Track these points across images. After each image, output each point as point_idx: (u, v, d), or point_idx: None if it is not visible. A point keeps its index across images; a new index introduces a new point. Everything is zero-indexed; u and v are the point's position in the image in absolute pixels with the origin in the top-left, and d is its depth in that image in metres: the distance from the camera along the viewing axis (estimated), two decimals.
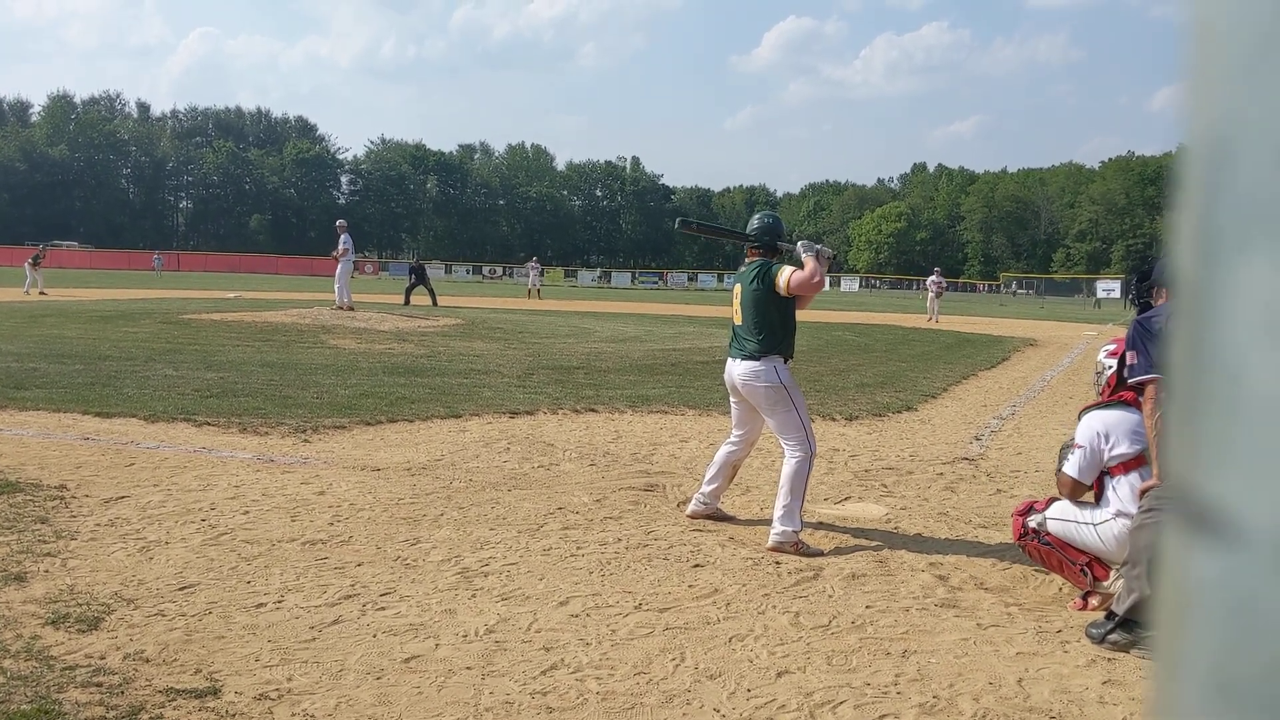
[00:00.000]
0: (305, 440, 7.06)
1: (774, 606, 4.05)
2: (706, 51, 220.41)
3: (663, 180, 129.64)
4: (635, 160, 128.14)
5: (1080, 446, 4.23)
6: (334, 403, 8.60)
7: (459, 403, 8.90)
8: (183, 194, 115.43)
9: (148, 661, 3.24)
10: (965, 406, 10.52)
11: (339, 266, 19.56)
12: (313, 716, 2.93)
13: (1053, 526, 4.24)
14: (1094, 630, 3.84)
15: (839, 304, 42.29)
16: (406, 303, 25.68)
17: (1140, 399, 4.06)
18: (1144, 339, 3.89)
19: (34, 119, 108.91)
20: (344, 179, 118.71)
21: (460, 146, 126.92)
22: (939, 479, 6.73)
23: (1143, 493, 3.88)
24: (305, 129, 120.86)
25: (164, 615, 3.66)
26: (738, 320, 5.25)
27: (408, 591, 4.04)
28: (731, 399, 5.40)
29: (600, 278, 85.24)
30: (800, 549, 4.82)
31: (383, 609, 3.83)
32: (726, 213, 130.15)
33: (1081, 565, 4.20)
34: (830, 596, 4.23)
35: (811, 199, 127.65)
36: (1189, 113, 0.32)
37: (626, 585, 4.24)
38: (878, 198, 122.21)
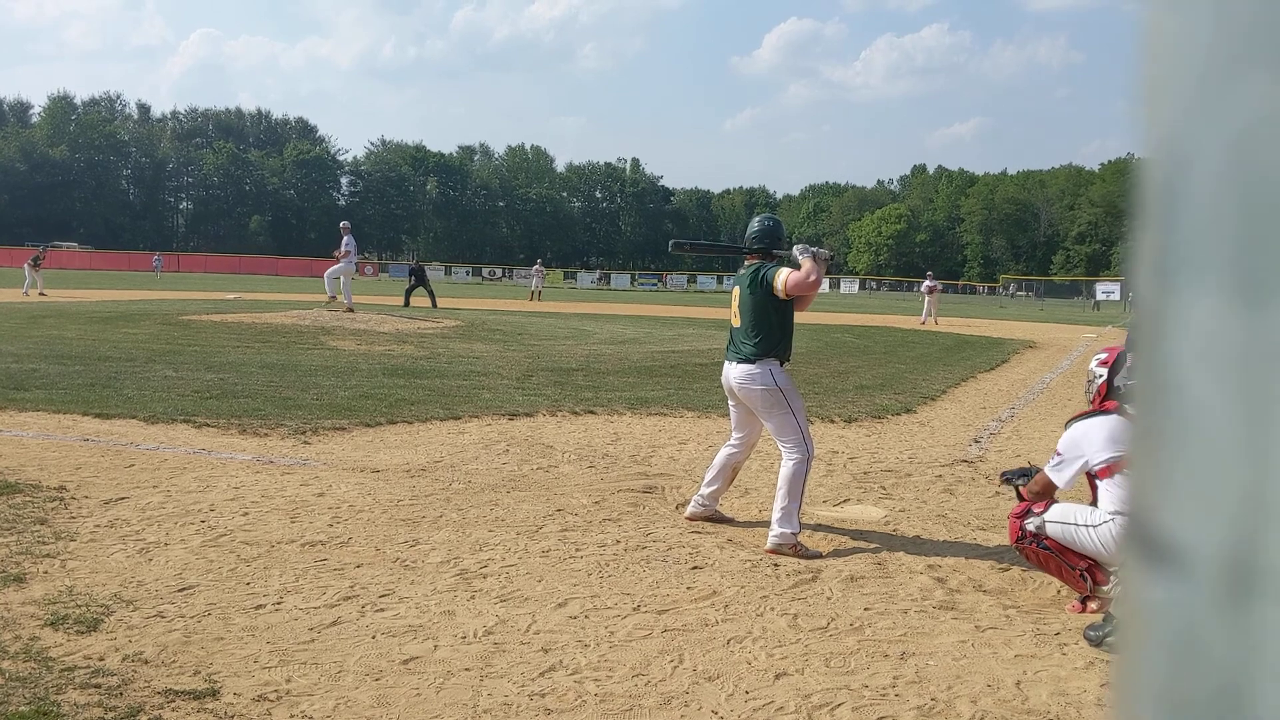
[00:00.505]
0: (305, 442, 7.07)
1: (772, 608, 4.05)
2: (707, 53, 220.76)
3: (662, 182, 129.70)
4: (635, 162, 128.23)
5: (1059, 454, 4.28)
6: (334, 404, 8.60)
7: (458, 404, 8.91)
8: (183, 195, 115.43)
9: (147, 663, 3.25)
10: (964, 409, 10.52)
11: (339, 264, 19.60)
12: (311, 718, 2.93)
13: (1051, 530, 4.23)
14: (1092, 632, 3.86)
15: (838, 306, 42.30)
16: (406, 304, 25.69)
17: (1123, 409, 4.13)
18: None
19: (34, 120, 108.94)
20: (344, 180, 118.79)
21: (460, 148, 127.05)
22: (938, 481, 6.74)
23: None
24: (305, 130, 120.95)
25: (163, 616, 3.67)
26: (735, 323, 5.26)
27: (407, 593, 4.04)
28: (730, 401, 5.40)
29: (600, 279, 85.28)
30: (799, 551, 4.82)
31: (382, 610, 3.84)
32: (726, 214, 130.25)
33: (1081, 570, 4.18)
34: (829, 598, 4.23)
35: (811, 201, 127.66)
36: (1143, 140, 0.33)
37: (625, 587, 4.24)
38: (877, 199, 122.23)
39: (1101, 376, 4.41)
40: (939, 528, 5.53)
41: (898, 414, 9.68)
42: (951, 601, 4.24)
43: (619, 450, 7.32)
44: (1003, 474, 4.84)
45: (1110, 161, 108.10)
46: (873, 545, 5.08)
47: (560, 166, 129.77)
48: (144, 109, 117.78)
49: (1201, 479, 0.30)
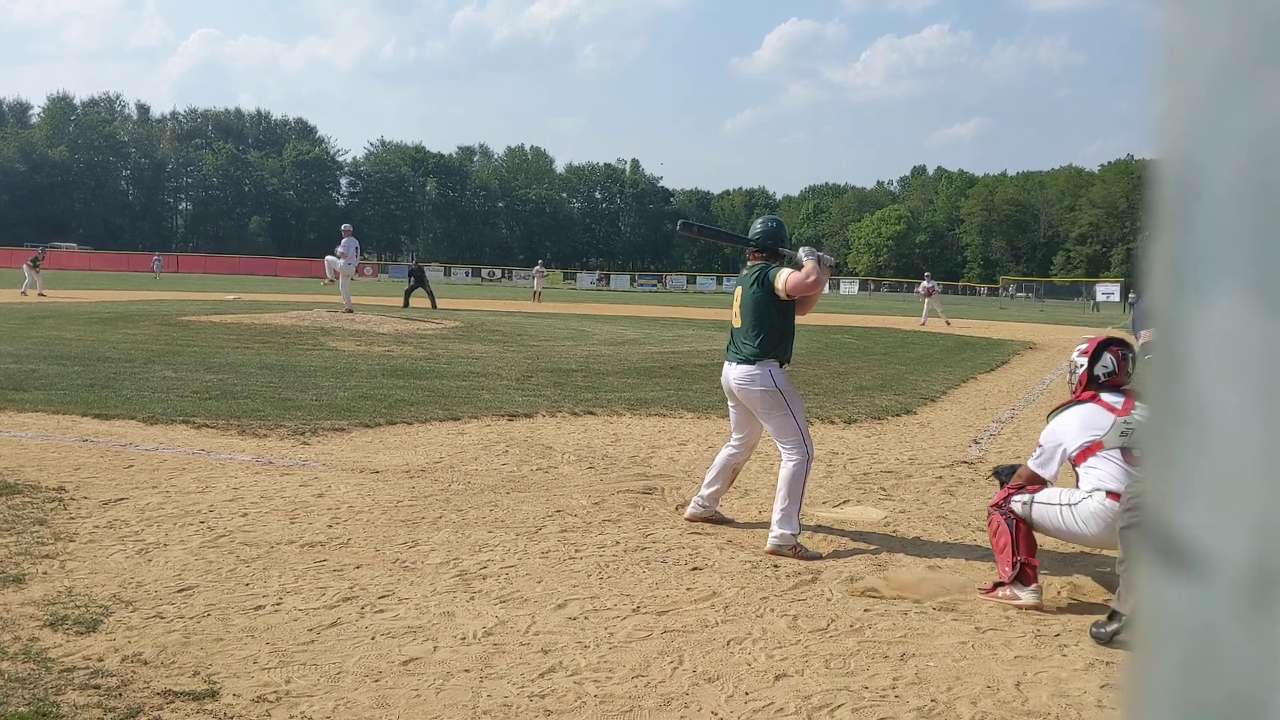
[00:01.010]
0: (304, 442, 7.06)
1: (772, 609, 4.05)
2: (707, 54, 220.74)
3: (662, 183, 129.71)
4: (635, 163, 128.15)
5: (1040, 446, 4.46)
6: (333, 405, 8.60)
7: (458, 405, 8.90)
8: (182, 196, 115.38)
9: (146, 664, 3.24)
10: (964, 410, 10.52)
11: (339, 264, 19.63)
12: (311, 719, 2.93)
13: (1038, 510, 4.30)
14: (1099, 630, 3.86)
15: (838, 307, 42.33)
16: (406, 305, 25.68)
17: (1097, 397, 4.37)
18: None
19: (34, 120, 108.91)
20: (343, 181, 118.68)
21: (460, 148, 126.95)
22: (938, 482, 6.74)
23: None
24: (305, 131, 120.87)
25: (162, 617, 3.66)
26: (736, 323, 5.25)
27: (406, 594, 4.04)
28: (729, 402, 5.40)
29: (599, 280, 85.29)
30: (799, 552, 4.82)
31: (381, 611, 3.83)
32: (725, 215, 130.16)
33: (1019, 561, 4.24)
34: (828, 600, 4.23)
35: (811, 201, 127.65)
36: (1158, 144, 0.32)
37: (625, 588, 4.24)
38: (877, 200, 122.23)
39: (1082, 366, 4.52)
40: (939, 529, 5.53)
41: (898, 415, 9.68)
42: (951, 603, 4.24)
43: (618, 451, 7.31)
44: (995, 469, 4.98)
45: (1110, 162, 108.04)
46: (873, 546, 5.08)
47: (560, 167, 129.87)
48: (143, 109, 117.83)
49: (1222, 482, 0.30)
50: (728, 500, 5.77)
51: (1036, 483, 4.46)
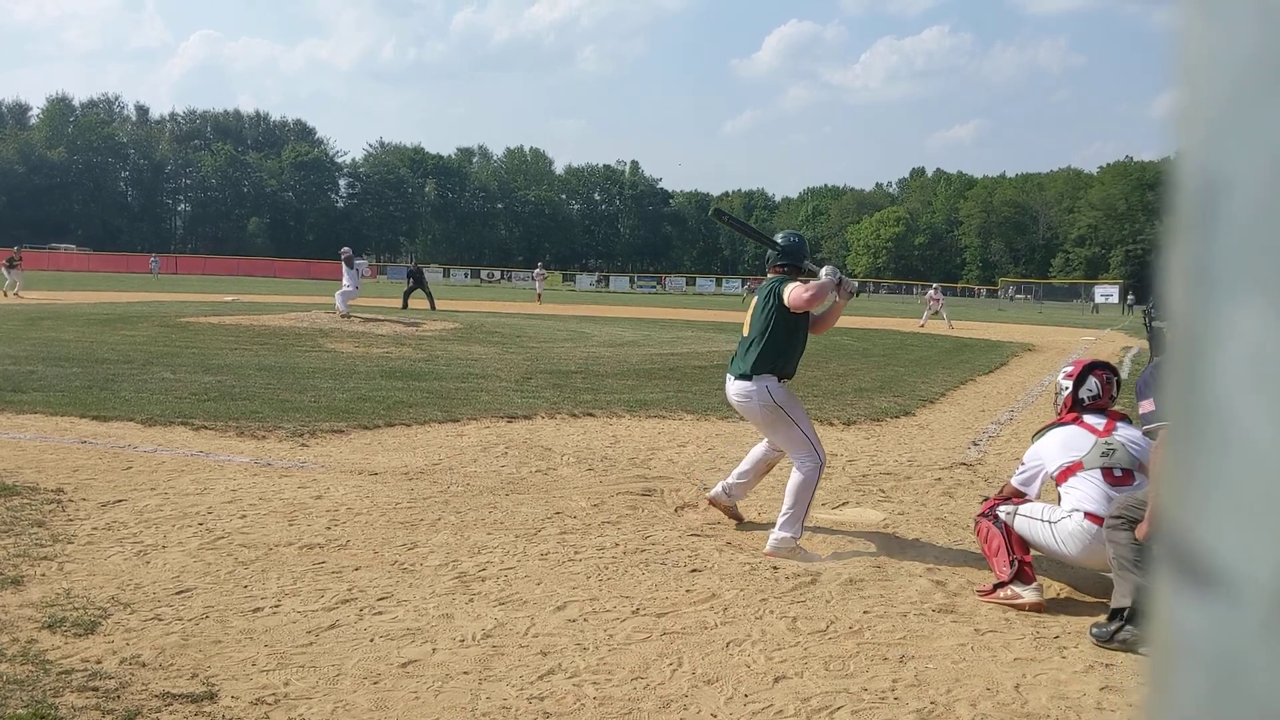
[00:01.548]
0: (303, 444, 7.05)
1: (771, 611, 4.05)
2: (707, 55, 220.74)
3: (661, 184, 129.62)
4: (634, 164, 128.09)
5: (1023, 464, 4.65)
6: (331, 406, 8.59)
7: (456, 407, 8.90)
8: (181, 197, 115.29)
9: (144, 666, 3.24)
10: (963, 412, 10.52)
11: (351, 290, 19.62)
12: None
13: (1019, 523, 4.43)
14: (1099, 630, 3.87)
15: None
16: (404, 306, 25.67)
17: (1080, 419, 4.55)
18: (1159, 385, 4.02)
19: (32, 121, 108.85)
20: (342, 182, 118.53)
21: (459, 150, 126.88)
22: (937, 484, 6.74)
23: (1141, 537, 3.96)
24: (304, 132, 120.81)
25: (161, 619, 3.66)
26: (744, 332, 5.20)
27: (405, 596, 4.03)
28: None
29: (598, 282, 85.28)
30: (798, 554, 4.82)
31: (380, 613, 3.83)
32: None
33: (1016, 559, 4.31)
34: (828, 601, 4.22)
35: (810, 203, 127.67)
36: (1179, 149, 0.32)
37: (624, 590, 4.23)
38: (876, 202, 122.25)
39: (1067, 389, 4.73)
40: (938, 531, 5.52)
41: (896, 417, 9.67)
42: (951, 605, 4.24)
43: (618, 453, 7.31)
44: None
45: (1109, 164, 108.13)
46: (872, 548, 5.07)
47: (559, 168, 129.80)
48: (142, 111, 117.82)
49: (1247, 496, 0.29)
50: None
51: (1019, 498, 4.61)
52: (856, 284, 5.25)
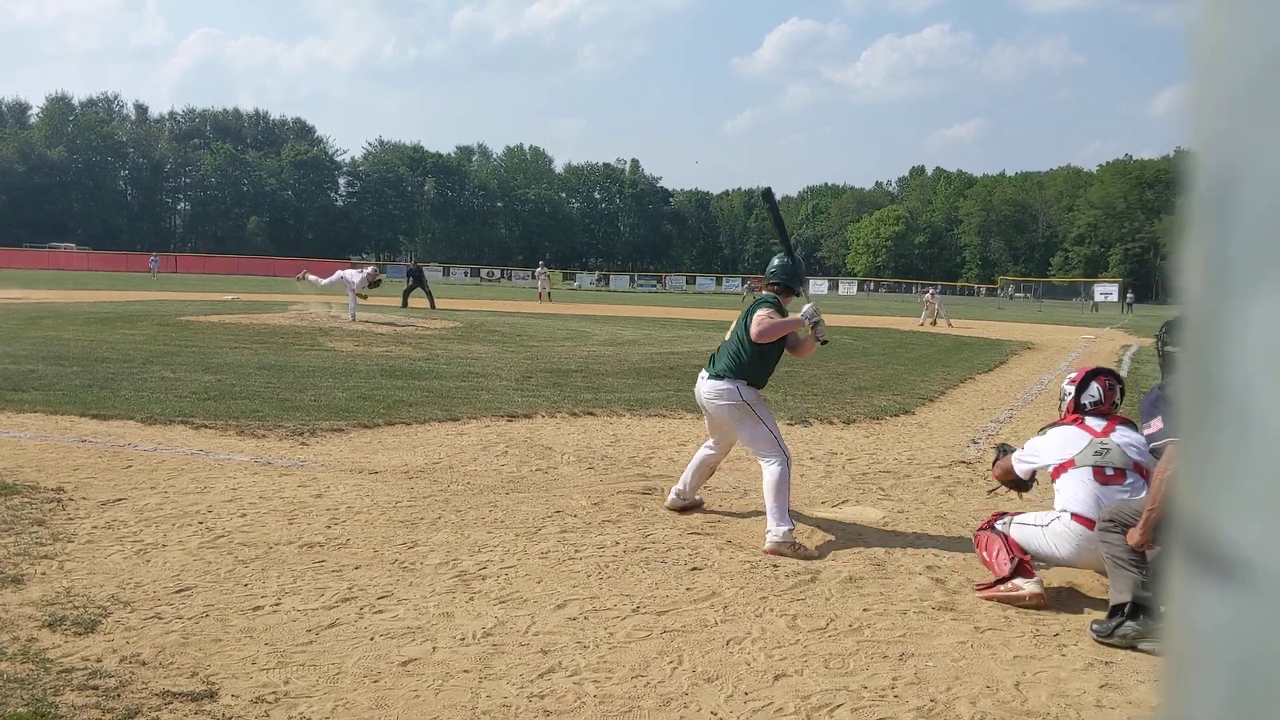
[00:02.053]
0: (303, 443, 7.06)
1: (771, 609, 4.05)
2: (707, 54, 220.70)
3: (661, 183, 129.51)
4: (634, 163, 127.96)
5: (1024, 449, 4.81)
6: (331, 405, 8.59)
7: (457, 406, 8.90)
8: (180, 196, 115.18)
9: (144, 664, 3.24)
10: (963, 410, 10.52)
11: (355, 278, 19.60)
12: None
13: (1015, 531, 4.50)
14: (1099, 627, 3.88)
15: (837, 307, 42.32)
16: (404, 305, 25.68)
17: (1080, 420, 4.63)
18: (1166, 406, 4.09)
19: (32, 121, 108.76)
20: (342, 181, 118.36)
21: (458, 148, 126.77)
22: (936, 482, 6.74)
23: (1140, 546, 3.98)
24: (303, 131, 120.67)
25: (161, 618, 3.66)
26: (727, 336, 5.44)
27: (405, 594, 4.04)
28: (704, 413, 5.50)
29: (598, 280, 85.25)
30: (798, 551, 4.83)
31: (380, 612, 3.83)
32: (725, 216, 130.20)
33: (1016, 556, 4.36)
34: (828, 599, 4.23)
35: (810, 202, 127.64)
36: (1195, 141, 0.32)
37: (624, 588, 4.24)
38: (876, 201, 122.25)
39: (1069, 395, 4.83)
40: (938, 529, 5.53)
41: (896, 415, 9.67)
42: (950, 602, 4.24)
43: (618, 452, 7.31)
44: (999, 445, 5.36)
45: (1109, 163, 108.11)
46: (871, 546, 5.08)
47: (559, 167, 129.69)
48: (141, 110, 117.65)
49: (1267, 486, 0.29)
50: (726, 500, 5.77)
51: (1008, 475, 4.87)
52: (825, 336, 5.44)
